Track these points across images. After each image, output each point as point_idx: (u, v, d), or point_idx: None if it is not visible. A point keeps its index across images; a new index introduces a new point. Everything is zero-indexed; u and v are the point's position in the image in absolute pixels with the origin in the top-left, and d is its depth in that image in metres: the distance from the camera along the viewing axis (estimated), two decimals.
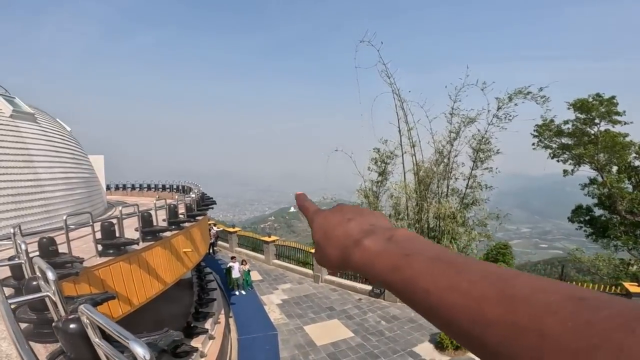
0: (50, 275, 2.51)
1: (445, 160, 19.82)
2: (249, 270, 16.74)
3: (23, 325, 3.04)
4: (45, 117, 11.77)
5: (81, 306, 1.76)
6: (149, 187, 25.09)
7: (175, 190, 22.71)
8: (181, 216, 9.64)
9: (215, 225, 26.35)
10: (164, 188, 24.36)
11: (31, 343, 2.79)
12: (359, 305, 15.46)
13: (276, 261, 21.65)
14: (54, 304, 2.63)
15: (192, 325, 9.71)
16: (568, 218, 24.33)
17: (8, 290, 3.90)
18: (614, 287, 12.76)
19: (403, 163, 20.68)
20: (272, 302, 15.76)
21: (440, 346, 11.33)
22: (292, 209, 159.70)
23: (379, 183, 21.96)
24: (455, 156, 19.90)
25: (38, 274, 3.01)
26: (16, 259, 4.01)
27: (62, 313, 2.50)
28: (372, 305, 15.40)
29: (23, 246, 3.61)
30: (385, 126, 20.68)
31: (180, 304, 11.93)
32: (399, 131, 20.21)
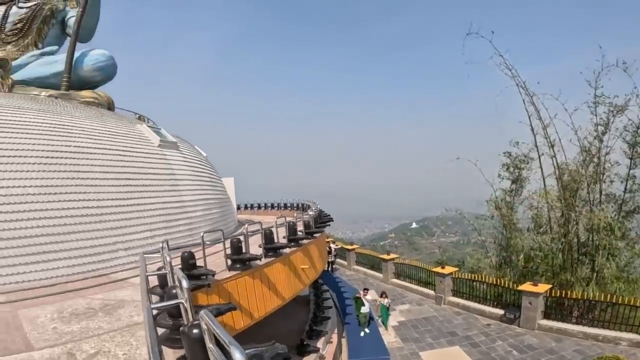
0: (184, 283, 2.76)
1: (595, 159, 16.02)
2: (388, 306, 15.02)
3: (160, 331, 3.44)
4: (185, 144, 13.64)
5: (202, 311, 1.84)
6: (272, 206, 27.59)
7: (295, 209, 24.20)
8: (299, 233, 9.83)
9: (333, 242, 27.01)
10: (285, 207, 26.35)
11: (163, 348, 3.12)
12: (487, 332, 13.55)
13: (395, 280, 20.81)
14: (186, 311, 2.91)
15: (304, 342, 9.81)
16: None
17: (155, 298, 4.55)
18: None
19: (541, 167, 17.36)
20: (388, 324, 15.06)
21: None
22: (414, 225, 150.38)
23: (513, 192, 19.04)
24: (607, 154, 15.93)
25: (177, 283, 3.41)
26: (162, 270, 4.71)
27: (190, 319, 2.73)
28: (503, 332, 13.33)
29: (168, 258, 4.19)
30: (513, 126, 18.01)
31: (295, 320, 12.29)
32: (532, 129, 17.11)
